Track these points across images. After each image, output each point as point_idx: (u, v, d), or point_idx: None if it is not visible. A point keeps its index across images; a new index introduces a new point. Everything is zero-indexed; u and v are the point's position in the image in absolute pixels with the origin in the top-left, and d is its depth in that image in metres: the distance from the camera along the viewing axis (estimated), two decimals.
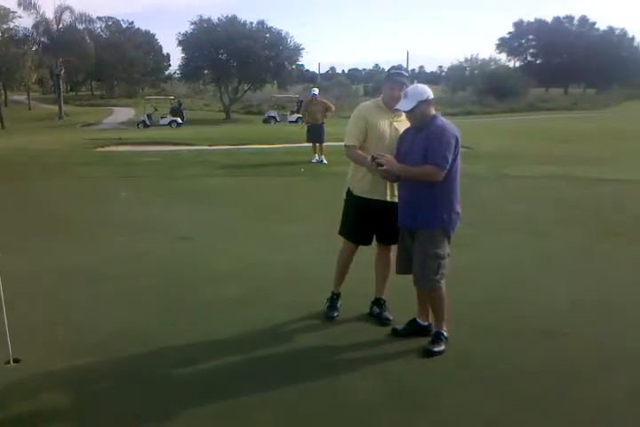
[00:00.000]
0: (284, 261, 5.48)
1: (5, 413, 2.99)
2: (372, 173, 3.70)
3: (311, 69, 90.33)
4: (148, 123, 35.00)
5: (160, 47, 79.25)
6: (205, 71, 49.50)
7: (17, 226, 6.67)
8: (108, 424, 2.93)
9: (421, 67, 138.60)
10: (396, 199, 3.83)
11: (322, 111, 12.70)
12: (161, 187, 10.00)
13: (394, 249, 3.98)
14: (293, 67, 51.10)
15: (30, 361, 3.48)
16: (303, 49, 48.27)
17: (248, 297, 4.58)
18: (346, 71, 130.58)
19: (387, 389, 3.24)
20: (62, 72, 47.55)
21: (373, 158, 3.59)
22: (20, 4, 42.96)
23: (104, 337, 3.84)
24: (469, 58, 68.58)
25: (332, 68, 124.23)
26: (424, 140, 3.51)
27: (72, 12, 45.25)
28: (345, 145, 3.93)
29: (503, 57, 79.89)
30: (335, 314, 4.19)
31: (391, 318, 4.08)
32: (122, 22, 75.20)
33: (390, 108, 3.80)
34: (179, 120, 35.45)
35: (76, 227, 6.92)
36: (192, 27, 46.92)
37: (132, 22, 77.75)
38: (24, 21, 48.11)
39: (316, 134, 12.67)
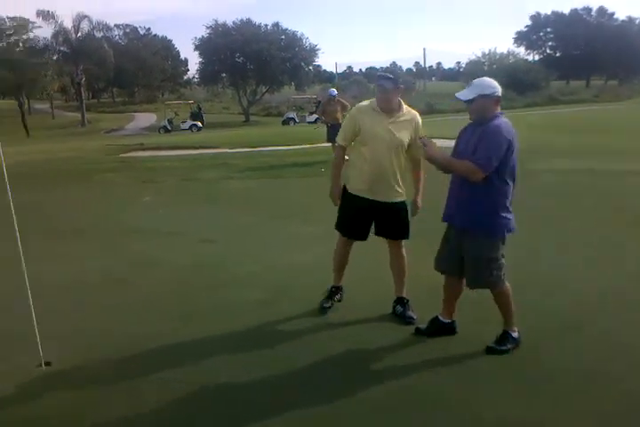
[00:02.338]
0: (305, 262, 5.48)
1: (37, 410, 3.10)
2: (330, 197, 4.15)
3: (328, 69, 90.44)
4: (170, 128, 35.36)
5: (178, 52, 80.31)
6: (223, 75, 49.78)
7: (42, 234, 6.74)
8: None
9: (439, 63, 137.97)
10: (381, 198, 3.98)
11: (340, 111, 12.68)
12: (183, 190, 10.09)
13: (405, 245, 4.12)
14: (310, 67, 51.10)
15: (60, 364, 3.57)
16: (319, 49, 48.33)
17: (269, 299, 4.58)
18: (363, 70, 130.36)
19: (404, 389, 3.21)
20: (83, 80, 48.20)
21: (420, 138, 3.67)
22: (38, 15, 43.75)
23: (127, 343, 3.87)
24: (487, 53, 67.65)
25: (350, 68, 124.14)
26: (477, 138, 3.43)
27: (90, 20, 45.93)
28: (337, 144, 4.21)
29: (522, 51, 78.88)
30: (329, 304, 4.28)
31: (415, 316, 4.05)
32: (139, 29, 76.44)
33: (382, 109, 3.93)
34: (199, 124, 35.73)
35: (101, 233, 7.01)
36: (208, 31, 47.29)
37: (149, 29, 78.99)
38: (44, 31, 49.01)
39: (335, 134, 12.59)
